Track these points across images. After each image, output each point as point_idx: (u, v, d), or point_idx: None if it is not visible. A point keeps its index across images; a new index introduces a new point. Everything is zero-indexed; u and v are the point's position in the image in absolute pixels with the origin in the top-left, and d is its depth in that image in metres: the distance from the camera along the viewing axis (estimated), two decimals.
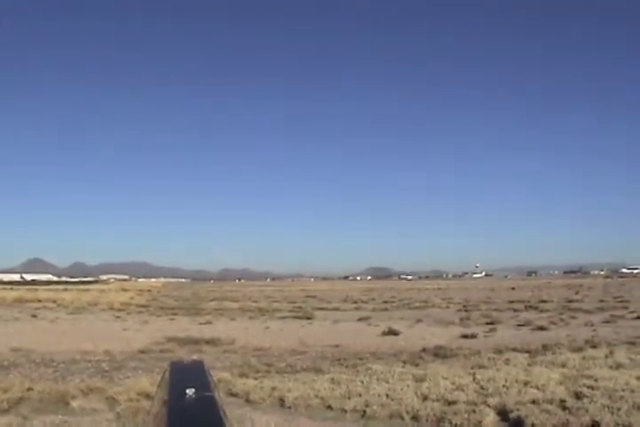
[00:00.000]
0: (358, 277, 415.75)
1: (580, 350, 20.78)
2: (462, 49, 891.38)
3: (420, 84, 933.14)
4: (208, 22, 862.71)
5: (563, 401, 12.07)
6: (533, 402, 12.04)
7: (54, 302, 59.98)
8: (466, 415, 11.34)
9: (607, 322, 33.32)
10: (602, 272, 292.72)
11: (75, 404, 13.44)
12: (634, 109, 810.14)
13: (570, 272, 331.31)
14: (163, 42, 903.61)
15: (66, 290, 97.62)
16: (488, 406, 11.97)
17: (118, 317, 43.10)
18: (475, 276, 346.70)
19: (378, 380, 15.09)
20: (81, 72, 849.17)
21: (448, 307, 52.40)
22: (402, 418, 11.81)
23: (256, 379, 15.98)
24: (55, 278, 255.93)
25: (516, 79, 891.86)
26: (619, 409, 11.15)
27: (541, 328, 30.47)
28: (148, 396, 12.17)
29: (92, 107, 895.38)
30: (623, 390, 12.72)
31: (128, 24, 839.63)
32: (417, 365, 18.49)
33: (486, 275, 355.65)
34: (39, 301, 61.04)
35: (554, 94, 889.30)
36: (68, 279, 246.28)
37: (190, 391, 2.71)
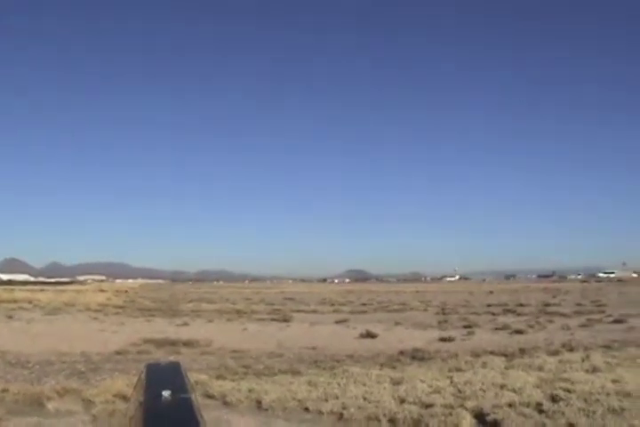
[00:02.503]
0: (337, 280, 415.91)
1: (556, 353, 20.91)
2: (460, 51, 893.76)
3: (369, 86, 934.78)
4: (202, 22, 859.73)
5: (539, 404, 12.11)
6: (510, 405, 12.07)
7: (30, 302, 59.44)
8: (443, 418, 11.35)
9: (584, 326, 33.56)
10: (579, 276, 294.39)
11: (50, 405, 13.32)
12: (603, 109, 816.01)
13: (544, 276, 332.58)
14: (161, 41, 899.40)
15: (42, 290, 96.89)
16: (465, 409, 11.97)
17: (95, 318, 42.82)
18: (449, 279, 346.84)
19: (355, 382, 15.05)
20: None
21: (426, 310, 52.58)
22: (379, 421, 11.80)
23: (233, 381, 15.91)
24: (32, 279, 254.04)
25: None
26: (594, 412, 11.21)
27: (519, 332, 30.62)
28: (124, 398, 12.09)
29: (67, 105, 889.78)
30: (599, 394, 12.77)
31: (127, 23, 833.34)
32: (394, 367, 18.50)
33: (463, 278, 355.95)
34: (15, 301, 60.43)
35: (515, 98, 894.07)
36: (45, 280, 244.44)
37: (166, 393, 2.69)
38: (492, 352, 21.76)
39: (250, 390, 14.17)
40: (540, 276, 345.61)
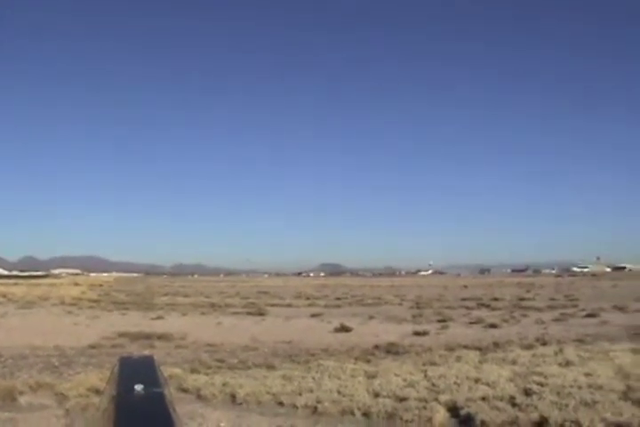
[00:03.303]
0: (311, 274, 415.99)
1: (530, 347, 21.07)
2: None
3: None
4: (203, 20, 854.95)
5: (512, 398, 12.19)
6: (483, 399, 12.14)
7: (4, 296, 59.05)
8: (417, 412, 11.40)
9: (558, 320, 33.83)
10: (553, 271, 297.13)
11: (23, 400, 13.25)
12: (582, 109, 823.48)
13: (517, 271, 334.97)
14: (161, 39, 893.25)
15: (16, 284, 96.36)
16: (439, 402, 12.03)
17: (69, 312, 42.52)
18: (422, 273, 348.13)
19: (329, 376, 15.08)
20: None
21: (401, 304, 52.75)
22: (353, 414, 11.84)
23: (207, 375, 15.89)
24: (5, 273, 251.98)
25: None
26: (567, 405, 11.30)
27: (493, 326, 30.79)
28: (97, 392, 12.00)
29: (43, 99, 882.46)
30: (571, 387, 12.89)
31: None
32: (369, 361, 18.54)
33: (437, 273, 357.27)
34: None
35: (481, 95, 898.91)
36: (19, 273, 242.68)
37: (139, 387, 2.65)
38: (466, 346, 21.88)
39: (224, 384, 14.15)
40: (513, 270, 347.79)
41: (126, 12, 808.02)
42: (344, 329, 29.31)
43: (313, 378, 14.85)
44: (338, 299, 62.27)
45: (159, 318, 37.34)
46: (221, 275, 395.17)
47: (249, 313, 41.28)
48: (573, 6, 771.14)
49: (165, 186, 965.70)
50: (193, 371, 16.56)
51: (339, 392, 13.10)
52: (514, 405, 11.74)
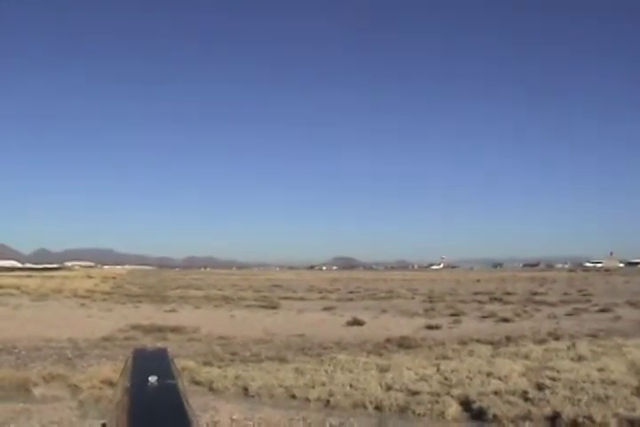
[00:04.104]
0: (324, 267, 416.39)
1: (542, 342, 20.99)
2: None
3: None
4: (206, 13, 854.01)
5: (525, 392, 12.17)
6: (496, 393, 12.12)
7: (18, 288, 59.17)
8: (429, 406, 11.39)
9: (570, 315, 33.71)
10: (566, 266, 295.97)
11: (36, 391, 13.31)
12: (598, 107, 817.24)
13: (528, 265, 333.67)
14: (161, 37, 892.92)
15: (30, 277, 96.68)
16: (451, 396, 12.02)
17: (82, 304, 42.65)
18: (434, 267, 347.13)
19: (342, 370, 15.08)
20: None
21: (413, 298, 52.69)
22: (365, 408, 11.84)
23: (220, 367, 15.91)
24: (19, 265, 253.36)
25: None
26: (579, 400, 11.27)
27: (505, 320, 30.73)
28: (110, 384, 12.05)
29: (54, 95, 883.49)
30: (584, 382, 12.85)
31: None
32: (381, 355, 18.52)
33: (449, 267, 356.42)
34: (2, 287, 60.15)
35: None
36: (33, 266, 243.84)
37: (153, 379, 2.66)
38: (478, 340, 21.81)
39: (237, 377, 14.18)
40: (525, 265, 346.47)
41: None
42: (356, 323, 29.32)
43: (325, 371, 14.86)
44: (350, 292, 62.26)
45: (172, 310, 37.44)
46: (233, 268, 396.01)
47: (262, 306, 41.33)
48: None
49: (177, 180, 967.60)
50: (206, 364, 16.58)
51: (351, 386, 13.10)
52: (526, 399, 11.71)
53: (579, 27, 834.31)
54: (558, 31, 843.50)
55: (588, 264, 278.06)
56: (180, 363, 13.59)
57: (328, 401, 12.18)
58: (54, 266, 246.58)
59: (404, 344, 21.43)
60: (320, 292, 63.62)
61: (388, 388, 12.92)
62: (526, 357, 17.02)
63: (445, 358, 17.15)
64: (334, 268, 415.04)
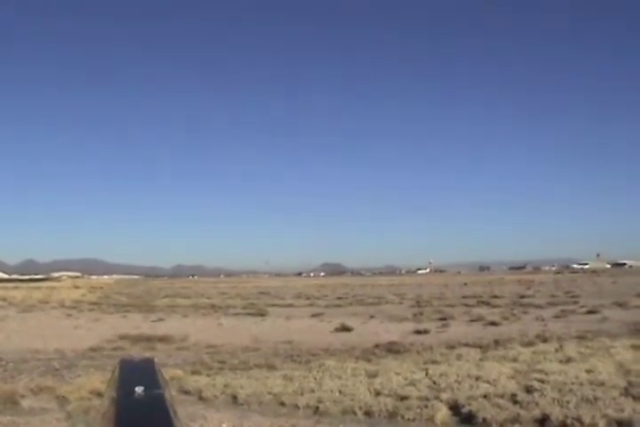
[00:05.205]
0: (312, 274, 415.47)
1: (531, 344, 21.06)
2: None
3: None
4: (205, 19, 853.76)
5: (513, 395, 12.19)
6: (485, 397, 12.14)
7: (4, 299, 58.94)
8: (418, 410, 11.39)
9: (558, 317, 33.80)
10: (553, 268, 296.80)
11: (24, 403, 13.25)
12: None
13: (515, 268, 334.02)
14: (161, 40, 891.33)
15: (16, 288, 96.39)
16: (440, 401, 12.03)
17: (70, 314, 42.47)
18: (420, 272, 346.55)
19: (331, 376, 15.09)
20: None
21: (401, 303, 52.67)
22: (354, 414, 11.82)
23: (209, 376, 15.91)
24: (5, 276, 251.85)
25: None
26: (568, 402, 11.31)
27: (493, 323, 30.78)
28: (99, 394, 11.97)
29: (45, 102, 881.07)
30: (572, 384, 12.90)
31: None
32: (370, 360, 18.55)
33: (437, 271, 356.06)
34: None
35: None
36: (19, 277, 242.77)
37: (139, 389, 2.65)
38: (466, 344, 21.87)
39: (225, 385, 14.16)
40: (511, 268, 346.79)
41: None
42: (345, 329, 29.32)
43: (314, 378, 14.85)
44: (338, 298, 62.18)
45: (160, 320, 37.32)
46: (221, 276, 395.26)
47: (249, 314, 41.24)
48: None
49: (164, 188, 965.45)
50: (194, 372, 16.58)
51: (340, 392, 13.10)
52: (515, 402, 11.74)
53: (579, 26, 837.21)
54: (558, 31, 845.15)
55: (575, 266, 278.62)
56: (168, 372, 13.56)
57: (317, 408, 12.15)
58: (41, 277, 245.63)
59: (393, 349, 21.46)
60: (308, 298, 63.52)
61: (377, 393, 12.92)
62: (515, 360, 17.08)
63: (434, 362, 17.19)
64: (322, 274, 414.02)
